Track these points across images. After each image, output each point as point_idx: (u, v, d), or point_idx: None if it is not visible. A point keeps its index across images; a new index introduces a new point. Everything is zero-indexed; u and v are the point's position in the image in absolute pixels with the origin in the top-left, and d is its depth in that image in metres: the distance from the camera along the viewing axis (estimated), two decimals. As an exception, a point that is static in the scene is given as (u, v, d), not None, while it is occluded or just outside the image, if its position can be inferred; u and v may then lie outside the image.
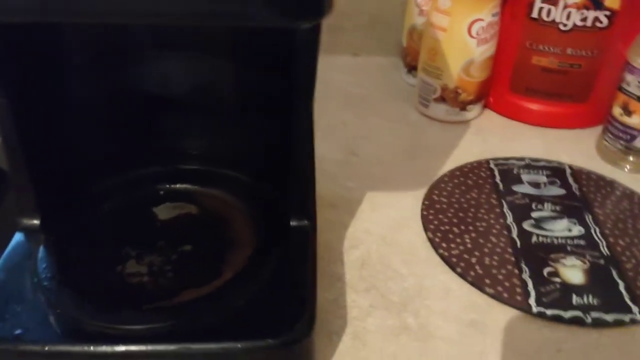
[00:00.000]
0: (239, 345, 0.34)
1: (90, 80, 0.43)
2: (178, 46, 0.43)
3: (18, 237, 0.41)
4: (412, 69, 0.73)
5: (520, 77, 0.66)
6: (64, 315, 0.35)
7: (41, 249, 0.39)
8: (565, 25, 0.60)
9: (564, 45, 0.62)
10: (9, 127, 0.38)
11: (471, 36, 0.61)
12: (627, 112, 0.58)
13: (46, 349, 0.33)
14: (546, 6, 0.60)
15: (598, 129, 0.64)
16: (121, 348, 0.33)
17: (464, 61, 0.63)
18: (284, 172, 0.42)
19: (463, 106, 0.66)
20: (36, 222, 0.41)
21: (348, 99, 0.72)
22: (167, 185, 0.45)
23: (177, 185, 0.45)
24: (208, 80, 0.46)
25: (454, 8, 0.60)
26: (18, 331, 0.34)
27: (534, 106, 0.67)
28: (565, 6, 0.59)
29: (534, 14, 0.61)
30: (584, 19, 0.60)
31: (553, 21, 0.61)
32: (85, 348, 0.33)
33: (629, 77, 0.57)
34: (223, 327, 0.35)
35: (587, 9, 0.59)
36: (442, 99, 0.66)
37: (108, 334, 0.34)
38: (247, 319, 0.36)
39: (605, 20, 0.59)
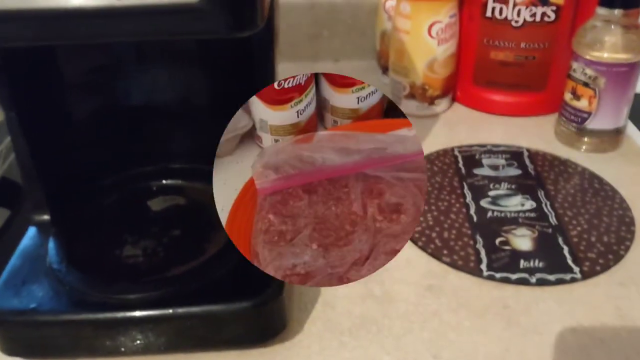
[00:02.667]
0: (219, 308, 0.40)
1: (85, 94, 0.50)
2: (157, 60, 0.50)
3: (31, 231, 0.47)
4: (386, 70, 0.79)
5: (481, 71, 0.72)
6: (72, 291, 0.41)
7: (51, 239, 0.46)
8: (517, 21, 0.66)
9: (517, 39, 0.67)
10: (19, 137, 0.45)
11: (431, 37, 0.67)
12: (576, 96, 0.63)
13: (57, 318, 0.40)
14: (498, 5, 0.66)
15: (556, 116, 0.69)
16: (119, 314, 0.40)
17: (427, 60, 0.69)
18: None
19: (431, 101, 0.72)
20: (46, 217, 0.47)
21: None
22: (158, 181, 0.52)
23: (167, 181, 0.52)
24: (185, 90, 0.52)
25: (414, 12, 0.66)
26: (33, 305, 0.40)
27: (496, 97, 0.73)
28: (515, 4, 0.65)
29: (488, 14, 0.67)
30: (533, 15, 0.66)
31: (505, 19, 0.67)
32: (90, 316, 0.40)
33: (574, 65, 0.62)
34: (206, 293, 0.41)
35: (535, 5, 0.65)
36: (411, 96, 0.72)
37: (108, 303, 0.40)
38: (226, 287, 0.42)
39: (552, 15, 0.65)
